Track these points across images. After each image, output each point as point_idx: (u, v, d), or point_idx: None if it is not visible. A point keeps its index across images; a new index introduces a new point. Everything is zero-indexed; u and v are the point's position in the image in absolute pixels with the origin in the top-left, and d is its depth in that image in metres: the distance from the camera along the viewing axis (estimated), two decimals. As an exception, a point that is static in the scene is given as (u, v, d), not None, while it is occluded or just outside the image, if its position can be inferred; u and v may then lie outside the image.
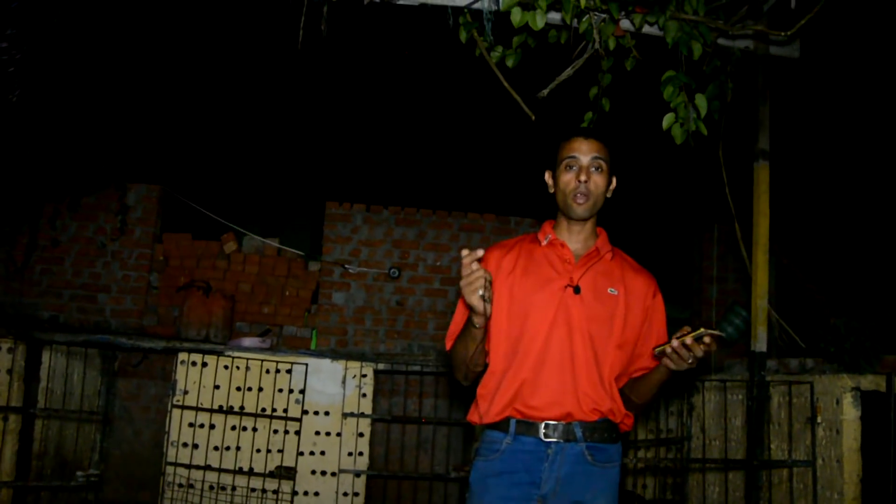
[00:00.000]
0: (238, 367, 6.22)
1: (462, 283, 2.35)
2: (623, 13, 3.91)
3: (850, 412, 4.31)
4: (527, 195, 6.75)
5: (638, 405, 2.71)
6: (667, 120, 3.78)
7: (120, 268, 7.46)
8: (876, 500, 4.21)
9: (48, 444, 6.06)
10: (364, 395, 6.32)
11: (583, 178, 2.64)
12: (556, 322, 2.59)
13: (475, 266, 2.33)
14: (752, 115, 4.47)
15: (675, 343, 2.36)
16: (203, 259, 7.58)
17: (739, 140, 4.56)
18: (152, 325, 7.36)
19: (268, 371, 6.23)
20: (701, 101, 3.77)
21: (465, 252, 2.35)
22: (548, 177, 2.80)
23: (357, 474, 6.24)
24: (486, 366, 2.69)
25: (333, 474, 6.21)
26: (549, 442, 2.55)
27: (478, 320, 2.45)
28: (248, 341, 6.65)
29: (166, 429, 6.16)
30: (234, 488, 6.09)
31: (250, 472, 6.08)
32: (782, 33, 3.89)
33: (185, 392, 6.16)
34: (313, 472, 6.19)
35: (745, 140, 4.50)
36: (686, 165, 5.98)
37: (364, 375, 6.32)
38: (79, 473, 6.13)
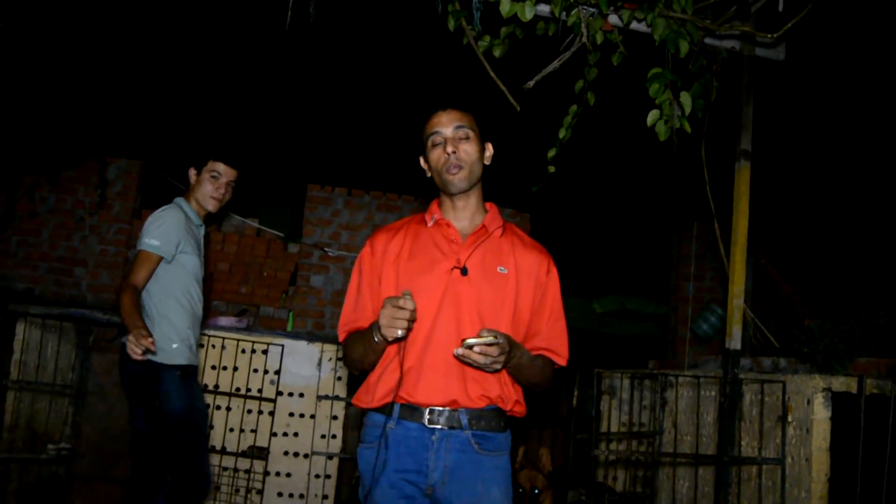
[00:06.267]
0: (214, 346, 6.21)
1: (387, 314, 2.33)
2: (612, 8, 3.92)
3: (821, 412, 4.36)
4: (508, 187, 6.76)
5: (523, 386, 2.67)
6: (651, 116, 3.80)
7: (98, 242, 7.39)
8: (842, 500, 4.27)
9: (20, 416, 6.03)
10: (339, 377, 6.33)
11: (450, 149, 2.60)
12: (443, 305, 2.54)
13: (410, 305, 2.32)
14: (736, 114, 4.49)
15: (455, 352, 2.33)
16: (182, 237, 7.54)
17: (722, 139, 4.58)
18: (129, 301, 7.32)
19: (243, 351, 6.22)
20: (686, 99, 3.79)
21: (409, 298, 2.33)
22: (422, 162, 2.76)
23: (329, 457, 6.26)
24: None
25: (306, 456, 6.23)
26: (434, 428, 2.51)
27: (382, 342, 2.44)
28: (224, 320, 6.64)
29: (139, 405, 6.14)
30: (205, 467, 6.09)
31: (223, 451, 6.08)
32: (769, 35, 3.91)
33: (160, 369, 6.14)
34: (286, 453, 6.20)
35: (727, 139, 4.53)
36: (668, 162, 6.01)
37: (340, 358, 6.32)
38: (50, 447, 6.11)
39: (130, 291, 3.82)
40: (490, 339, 2.29)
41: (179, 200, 4.23)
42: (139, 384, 3.95)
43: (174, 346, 3.95)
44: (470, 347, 2.28)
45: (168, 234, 3.96)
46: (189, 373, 3.98)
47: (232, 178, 4.26)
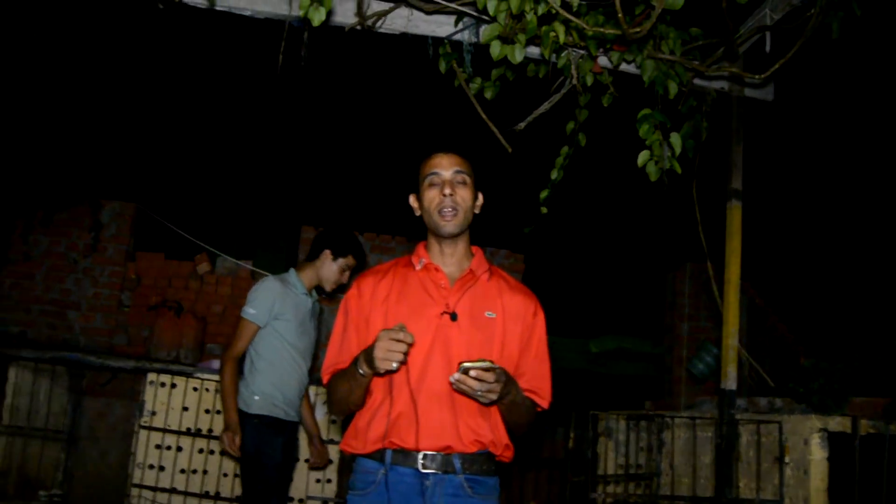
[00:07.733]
0: (207, 390, 6.17)
1: (383, 346, 2.31)
2: (601, 50, 3.96)
3: (818, 453, 4.32)
4: (502, 229, 6.77)
5: (511, 429, 2.64)
6: (642, 157, 3.81)
7: (91, 285, 7.38)
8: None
9: (11, 462, 5.98)
10: (333, 420, 6.28)
11: (447, 191, 2.59)
12: (433, 351, 2.52)
13: (409, 339, 2.31)
14: (726, 154, 4.51)
15: (451, 378, 2.30)
16: (175, 279, 7.52)
17: (713, 179, 4.60)
18: (122, 345, 7.29)
19: (237, 394, 6.17)
20: (676, 139, 3.80)
21: (403, 331, 2.32)
22: (412, 200, 2.75)
23: (324, 501, 6.19)
24: None
25: (301, 501, 6.16)
26: (427, 473, 2.47)
27: (369, 373, 2.42)
28: (218, 363, 6.58)
29: (132, 450, 6.08)
30: (198, 512, 6.02)
31: (216, 497, 6.02)
32: (757, 76, 3.94)
33: (153, 413, 6.09)
34: (279, 498, 6.13)
35: (718, 179, 4.54)
36: (660, 202, 6.03)
37: (334, 402, 6.26)
38: (42, 493, 6.05)
39: (230, 366, 4.46)
40: (487, 363, 2.27)
41: (290, 271, 4.68)
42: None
43: (255, 398, 4.42)
44: (466, 372, 2.26)
45: (264, 302, 4.45)
46: (269, 423, 4.42)
47: (352, 266, 4.70)
